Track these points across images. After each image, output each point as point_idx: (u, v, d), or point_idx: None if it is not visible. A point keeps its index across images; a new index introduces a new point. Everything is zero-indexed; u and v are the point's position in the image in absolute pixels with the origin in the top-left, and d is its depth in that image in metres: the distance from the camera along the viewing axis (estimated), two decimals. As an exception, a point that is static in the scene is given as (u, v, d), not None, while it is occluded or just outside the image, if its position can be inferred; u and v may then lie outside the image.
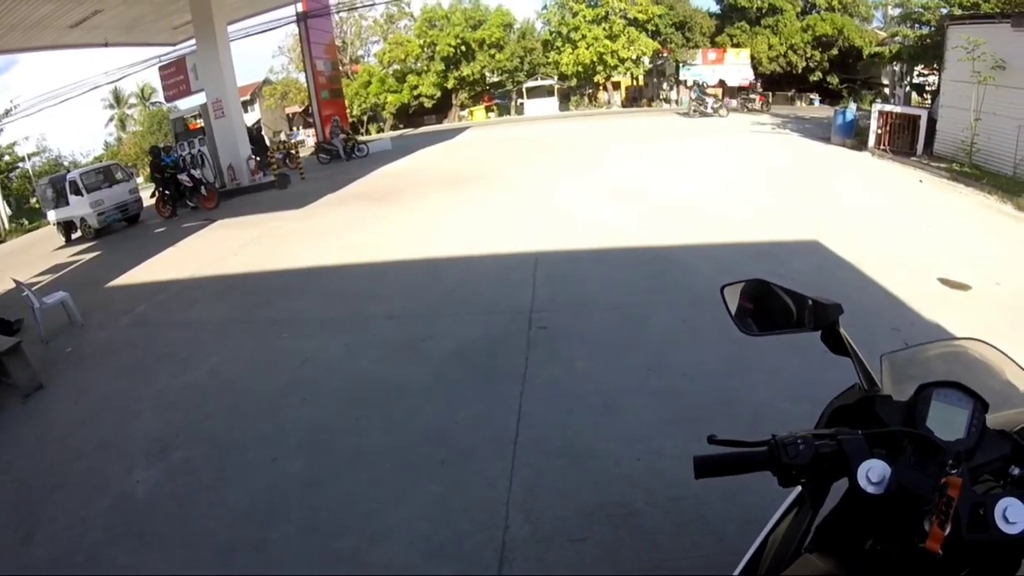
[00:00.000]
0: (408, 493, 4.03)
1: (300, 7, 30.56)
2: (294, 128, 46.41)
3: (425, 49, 45.71)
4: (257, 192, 20.77)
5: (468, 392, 5.36)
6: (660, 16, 41.86)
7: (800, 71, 41.21)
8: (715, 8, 45.29)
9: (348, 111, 40.48)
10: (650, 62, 44.64)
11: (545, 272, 8.32)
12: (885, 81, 32.22)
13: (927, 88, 25.74)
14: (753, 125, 25.03)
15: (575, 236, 9.82)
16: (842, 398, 1.58)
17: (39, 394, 6.61)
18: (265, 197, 19.36)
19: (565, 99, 46.90)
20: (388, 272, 9.23)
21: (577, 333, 6.35)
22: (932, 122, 16.28)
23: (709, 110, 29.90)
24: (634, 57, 42.55)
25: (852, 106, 20.65)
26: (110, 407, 6.00)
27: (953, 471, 1.13)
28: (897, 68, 23.54)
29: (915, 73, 24.75)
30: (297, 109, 47.63)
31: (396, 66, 47.19)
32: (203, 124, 22.12)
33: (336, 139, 28.01)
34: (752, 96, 35.03)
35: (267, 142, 27.80)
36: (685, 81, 42.94)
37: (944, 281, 7.04)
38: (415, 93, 46.49)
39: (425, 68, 46.25)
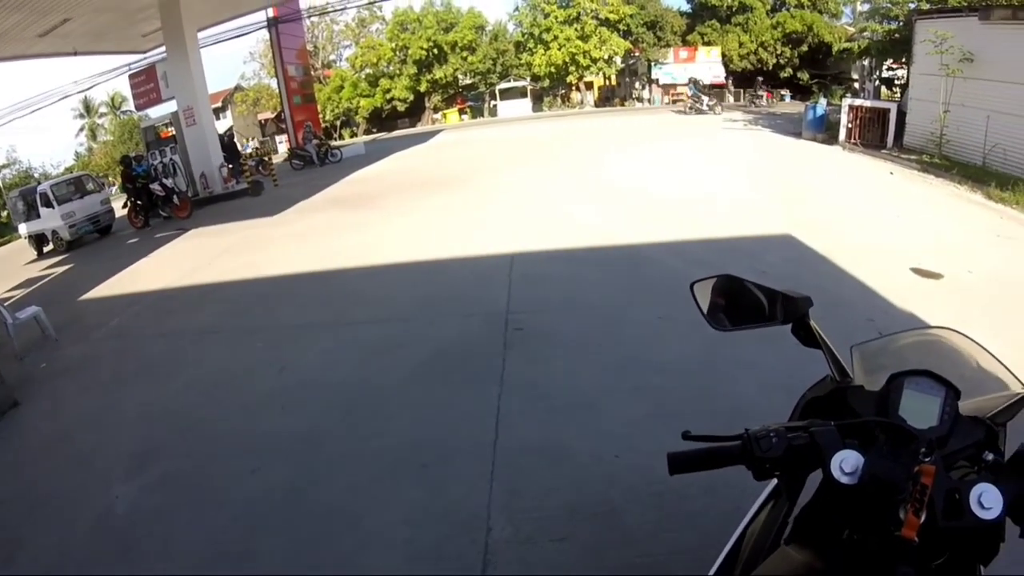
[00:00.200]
0: (390, 499, 4.03)
1: (271, 12, 30.40)
2: (267, 136, 46.02)
3: (397, 53, 45.59)
4: (230, 200, 20.57)
5: (446, 395, 5.37)
6: (631, 16, 42.02)
7: (771, 68, 41.53)
8: (686, 7, 45.61)
9: (321, 116, 40.29)
10: (622, 62, 44.79)
11: (520, 273, 8.34)
12: (855, 76, 32.43)
13: (896, 82, 26.01)
14: (725, 122, 25.20)
15: (550, 236, 9.87)
16: (815, 390, 1.59)
17: (14, 412, 6.52)
18: (239, 205, 19.22)
19: (538, 100, 46.91)
20: (364, 277, 9.22)
21: (553, 333, 6.38)
22: (902, 115, 16.57)
23: (705, 107, 30.08)
24: (606, 57, 42.69)
25: (822, 101, 20.87)
26: (87, 423, 5.94)
27: (926, 459, 1.15)
28: (866, 63, 23.73)
29: (884, 67, 24.96)
30: (269, 115, 47.27)
31: (368, 70, 46.99)
32: (174, 132, 21.91)
33: (309, 145, 27.86)
34: (760, 93, 35.29)
35: (239, 148, 27.52)
36: (657, 80, 43.24)
37: (916, 271, 7.17)
38: (388, 97, 46.33)
39: (397, 72, 46.11)
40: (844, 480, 1.19)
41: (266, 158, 25.05)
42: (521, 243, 9.67)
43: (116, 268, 12.74)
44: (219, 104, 45.61)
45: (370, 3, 41.84)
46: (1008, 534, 1.14)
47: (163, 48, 22.48)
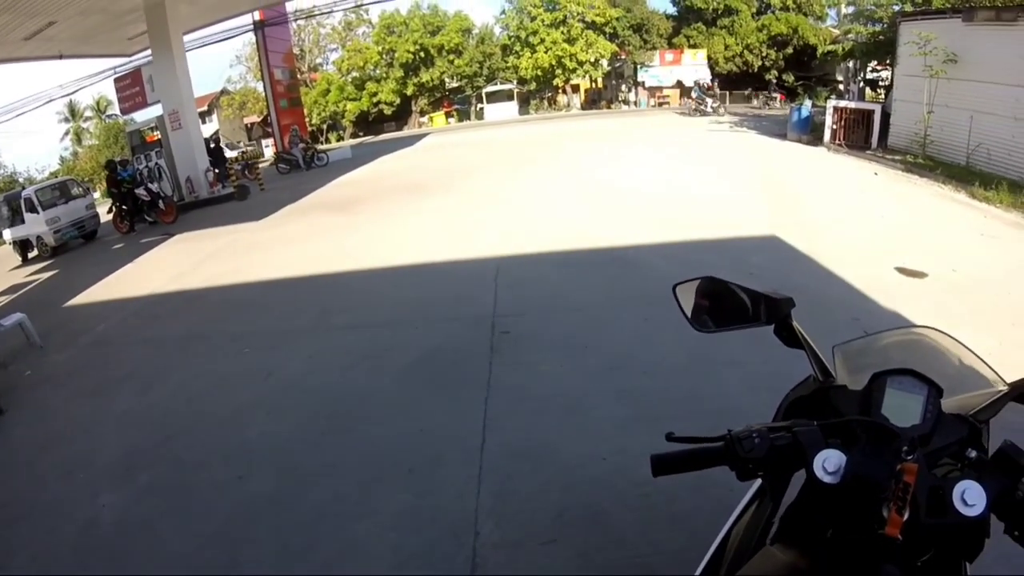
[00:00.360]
0: (377, 504, 4.02)
1: (257, 16, 30.30)
2: (253, 140, 45.85)
3: (384, 56, 45.61)
4: (216, 204, 20.51)
5: (433, 400, 5.35)
6: (617, 19, 42.21)
7: (756, 70, 41.77)
8: (672, 10, 45.87)
9: (307, 120, 40.20)
10: (608, 64, 44.96)
11: (507, 276, 8.34)
12: (839, 78, 32.77)
13: (880, 83, 26.23)
14: (710, 123, 25.30)
15: (536, 239, 9.88)
16: (798, 390, 1.60)
17: (-1, 419, 6.50)
18: (224, 209, 19.15)
19: (525, 103, 47.01)
20: (350, 282, 9.19)
21: (539, 336, 6.38)
22: (886, 116, 16.69)
23: (708, 109, 30.23)
24: (592, 60, 42.87)
25: (807, 103, 20.99)
26: (73, 431, 5.88)
27: (909, 457, 1.15)
28: (851, 65, 23.95)
29: (869, 69, 25.18)
30: (256, 119, 47.13)
31: (355, 73, 46.99)
32: (160, 136, 21.80)
33: (295, 148, 27.80)
34: (774, 95, 35.49)
35: (226, 153, 27.41)
36: (643, 82, 43.40)
37: (901, 270, 7.21)
38: (374, 100, 46.33)
39: (384, 75, 46.14)
40: (827, 479, 1.19)
41: (251, 162, 24.97)
42: (507, 246, 9.68)
43: (101, 274, 12.67)
44: (205, 108, 45.53)
45: (357, 6, 41.77)
46: (993, 530, 1.14)
47: (149, 51, 22.40)
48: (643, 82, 44.15)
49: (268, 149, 39.24)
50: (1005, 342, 4.94)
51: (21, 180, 45.20)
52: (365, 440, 4.84)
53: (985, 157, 12.40)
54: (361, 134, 48.01)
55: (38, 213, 17.72)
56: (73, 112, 52.47)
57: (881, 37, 18.59)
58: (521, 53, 43.67)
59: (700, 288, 1.79)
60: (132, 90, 25.49)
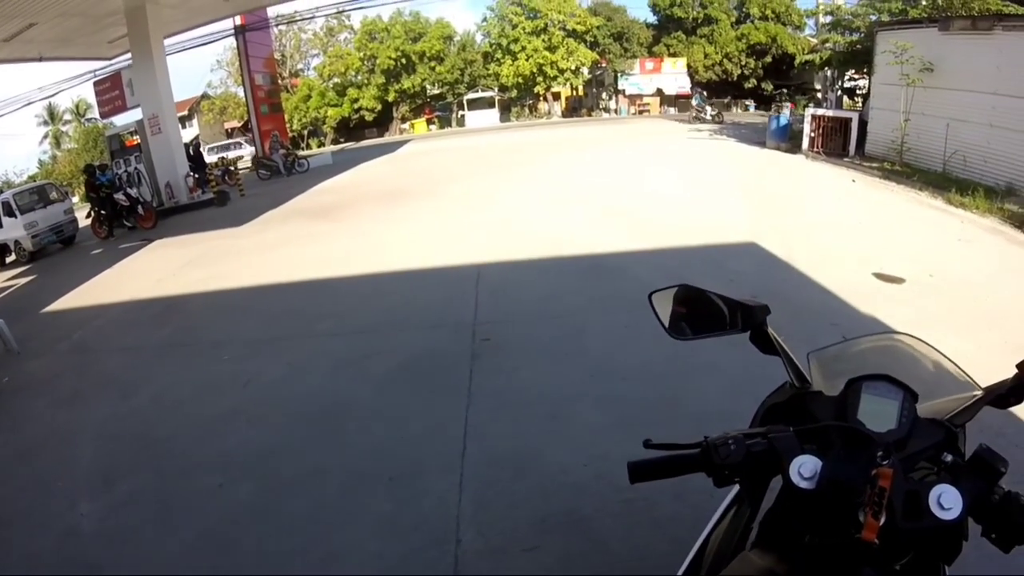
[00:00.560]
0: (358, 513, 4.00)
1: (238, 20, 30.16)
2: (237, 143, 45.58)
3: (365, 62, 45.63)
4: (196, 210, 20.35)
5: (414, 407, 5.33)
6: (598, 27, 42.52)
7: (735, 78, 42.22)
8: (652, 19, 46.15)
9: (288, 125, 40.03)
10: (589, 72, 45.27)
11: (487, 284, 8.34)
12: (817, 86, 33.02)
13: (858, 92, 26.52)
14: (690, 131, 25.47)
15: (516, 247, 9.88)
16: (774, 396, 1.62)
17: (-26, 427, 6.39)
18: (204, 215, 19.01)
19: (506, 110, 47.20)
20: (331, 289, 9.16)
21: (520, 343, 6.38)
22: (863, 124, 16.90)
23: (707, 116, 30.43)
24: (573, 68, 43.14)
25: (786, 111, 21.16)
26: (51, 439, 5.80)
27: (885, 462, 1.16)
28: (829, 73, 24.19)
29: (846, 78, 25.42)
30: (236, 124, 46.94)
31: (336, 79, 47.02)
32: (140, 141, 21.62)
33: (276, 154, 27.68)
34: (784, 104, 35.74)
35: (205, 158, 27.21)
36: (624, 90, 43.65)
37: (879, 275, 7.29)
38: (356, 107, 46.37)
39: (366, 81, 46.17)
40: (803, 485, 1.20)
41: (232, 167, 24.84)
42: (489, 252, 9.68)
43: (80, 279, 12.52)
44: (185, 112, 45.29)
45: (338, 12, 41.74)
46: (971, 533, 1.16)
47: (129, 55, 22.22)
48: (623, 90, 44.47)
49: (246, 149, 38.68)
50: (982, 346, 5.00)
51: (-1, 183, 44.69)
52: (346, 448, 4.81)
53: (961, 164, 12.56)
54: (342, 140, 47.91)
55: (16, 217, 17.48)
56: (52, 115, 52.01)
57: (858, 46, 18.79)
58: (502, 60, 43.86)
59: (676, 296, 1.79)
60: (112, 94, 25.22)
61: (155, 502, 4.47)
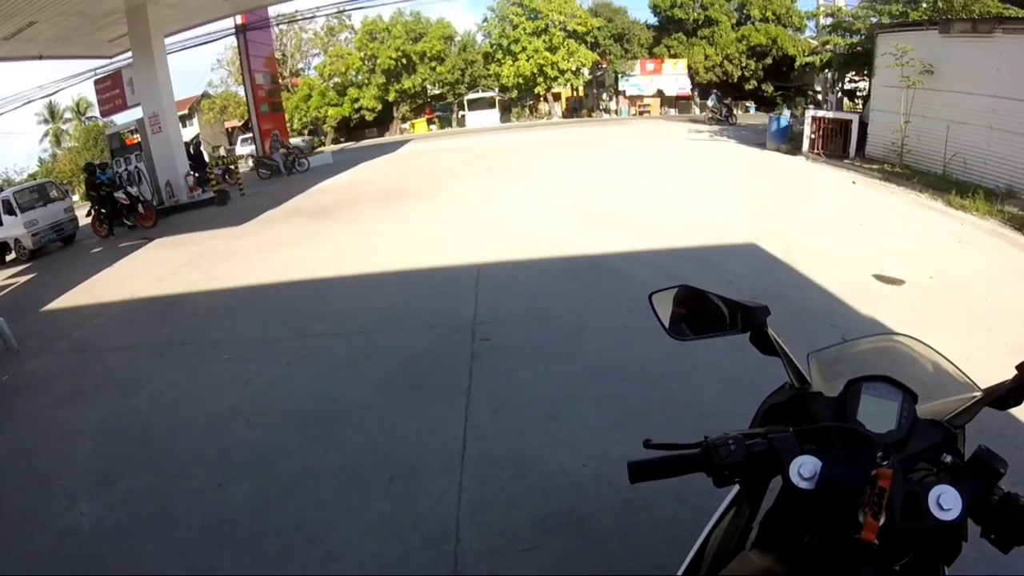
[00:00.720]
0: (357, 512, 3.99)
1: (239, 19, 30.13)
2: (233, 145, 45.52)
3: (366, 62, 45.59)
4: (196, 209, 20.33)
5: (413, 407, 5.33)
6: (599, 28, 42.51)
7: (736, 80, 42.18)
8: (652, 20, 46.10)
9: (288, 125, 39.98)
10: (589, 73, 45.26)
11: (487, 284, 8.34)
12: (818, 88, 33.03)
13: (858, 94, 26.50)
14: (690, 132, 25.47)
15: (516, 247, 9.88)
16: (774, 397, 1.62)
17: (-27, 426, 6.38)
18: (204, 214, 18.99)
19: (506, 111, 47.17)
20: (330, 289, 9.15)
21: (520, 343, 6.38)
22: (863, 126, 16.89)
23: (722, 116, 30.46)
24: (574, 68, 43.12)
25: (786, 112, 21.16)
26: (50, 438, 5.79)
27: (884, 462, 1.17)
28: (829, 75, 24.16)
29: (847, 80, 25.41)
30: (236, 123, 46.89)
31: (337, 79, 46.99)
32: (140, 139, 21.59)
33: (276, 154, 27.65)
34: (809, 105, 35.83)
35: (206, 157, 27.17)
36: (624, 91, 43.66)
37: (879, 277, 7.30)
38: (356, 106, 46.35)
39: (366, 81, 46.13)
40: (803, 485, 1.20)
41: (232, 166, 24.82)
42: (489, 253, 9.69)
43: (80, 278, 12.51)
44: (186, 111, 45.26)
45: (339, 12, 41.73)
46: (971, 533, 1.16)
47: (129, 53, 22.19)
48: (624, 91, 44.46)
49: (246, 148, 38.54)
50: (981, 347, 5.01)
51: (-1, 181, 44.67)
52: (345, 448, 4.81)
53: (961, 166, 12.57)
54: (342, 140, 47.90)
55: (16, 216, 17.49)
56: (53, 114, 52.01)
57: (859, 48, 18.78)
58: (503, 61, 43.83)
59: (676, 297, 1.79)
60: (112, 92, 25.18)
61: (154, 501, 4.46)
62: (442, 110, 48.71)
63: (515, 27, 42.76)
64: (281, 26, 43.99)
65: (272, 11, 33.60)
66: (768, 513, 1.41)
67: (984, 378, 1.50)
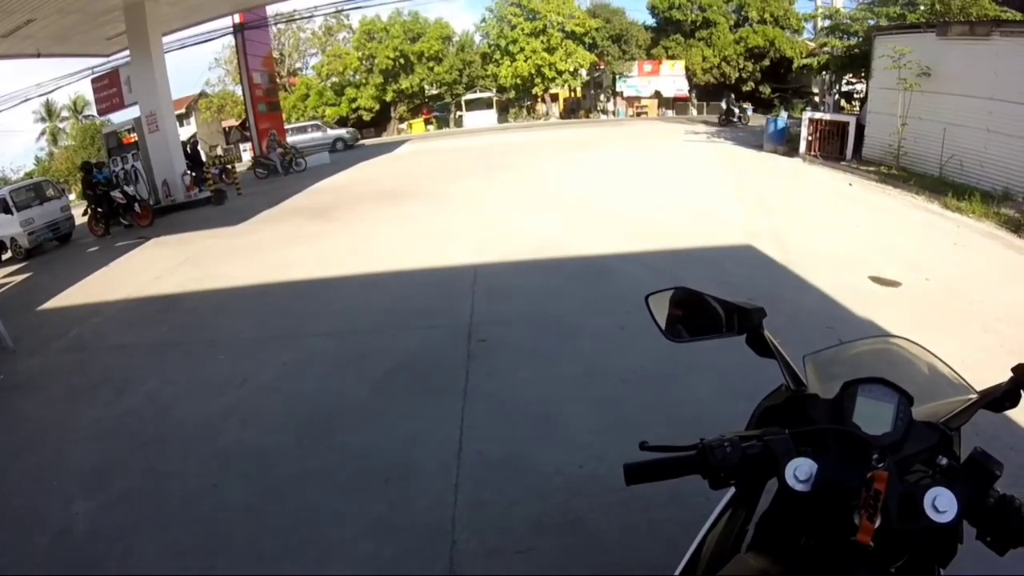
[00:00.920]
0: (353, 513, 3.99)
1: (237, 18, 30.07)
2: (231, 144, 45.44)
3: (364, 62, 45.55)
4: (193, 209, 20.28)
5: (410, 408, 5.34)
6: (597, 29, 42.49)
7: (733, 81, 42.15)
8: (650, 21, 46.12)
9: (286, 124, 39.92)
10: (587, 74, 45.25)
11: (484, 284, 8.34)
12: (815, 90, 33.05)
13: (855, 96, 26.51)
14: (687, 134, 25.48)
15: (513, 248, 9.88)
16: (770, 399, 1.62)
17: (-31, 424, 6.36)
18: (201, 214, 18.96)
19: (504, 111, 47.12)
20: (327, 289, 9.14)
21: (517, 344, 6.39)
22: (861, 128, 16.93)
23: (735, 118, 30.47)
24: (571, 69, 43.10)
25: (783, 114, 21.18)
26: (45, 437, 5.78)
27: (880, 464, 1.17)
28: (826, 77, 24.17)
29: (844, 82, 25.43)
30: (234, 122, 46.77)
31: (334, 79, 46.94)
32: (137, 138, 21.54)
33: (273, 153, 27.59)
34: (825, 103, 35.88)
35: (203, 157, 27.10)
36: (622, 92, 43.67)
37: (875, 279, 7.32)
38: (354, 106, 46.28)
39: (364, 81, 46.09)
40: (798, 488, 1.21)
41: (229, 166, 24.77)
42: (485, 253, 9.69)
43: (76, 277, 12.48)
44: (183, 110, 45.07)
45: (337, 11, 41.70)
46: (966, 535, 1.16)
47: (127, 52, 22.13)
48: (621, 92, 44.45)
49: (246, 153, 38.66)
50: (977, 350, 5.03)
51: (-5, 180, 44.59)
52: (341, 448, 4.81)
53: (958, 168, 12.59)
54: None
55: (12, 214, 17.43)
56: (50, 112, 51.84)
57: (856, 51, 18.80)
58: (501, 61, 43.81)
59: (673, 298, 1.80)
60: (109, 91, 25.08)
61: (149, 501, 4.46)
62: (440, 110, 48.65)
63: (513, 27, 42.73)
64: (279, 25, 43.99)
65: (270, 10, 33.53)
66: (764, 515, 1.41)
67: (979, 380, 1.51)
